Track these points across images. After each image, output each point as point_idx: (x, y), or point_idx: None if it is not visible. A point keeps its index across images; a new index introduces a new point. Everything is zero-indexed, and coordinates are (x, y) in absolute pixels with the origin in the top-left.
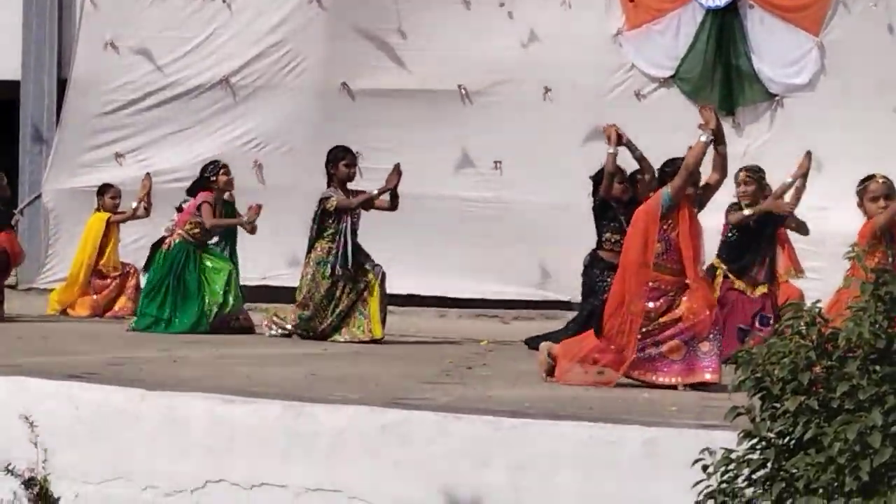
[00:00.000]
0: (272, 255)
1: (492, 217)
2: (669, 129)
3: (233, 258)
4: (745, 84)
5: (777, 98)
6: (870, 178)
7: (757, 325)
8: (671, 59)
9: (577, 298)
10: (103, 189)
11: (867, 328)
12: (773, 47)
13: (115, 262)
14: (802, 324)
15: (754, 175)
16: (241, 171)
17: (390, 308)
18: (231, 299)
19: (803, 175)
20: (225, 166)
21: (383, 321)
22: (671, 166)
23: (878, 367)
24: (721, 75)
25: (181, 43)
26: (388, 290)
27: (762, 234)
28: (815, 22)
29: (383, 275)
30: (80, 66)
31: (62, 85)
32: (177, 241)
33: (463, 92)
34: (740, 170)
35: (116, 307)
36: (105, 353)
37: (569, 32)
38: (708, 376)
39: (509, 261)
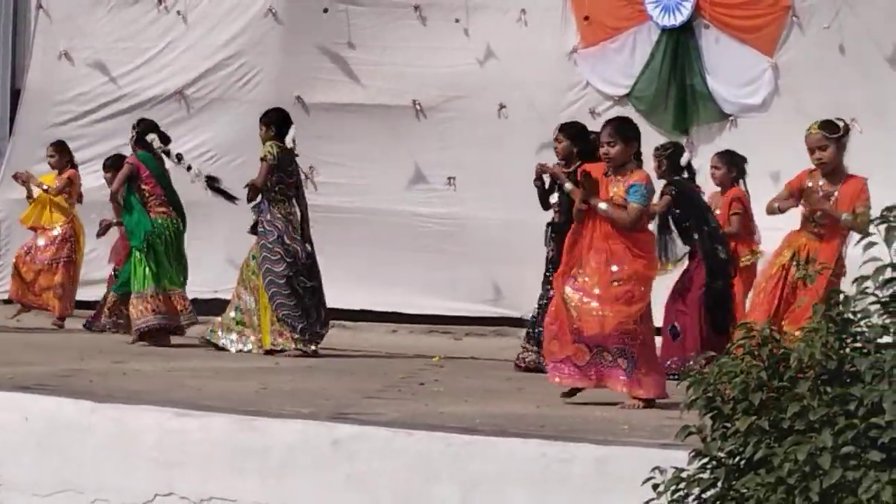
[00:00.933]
0: (224, 267)
1: (445, 233)
2: None
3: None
4: (699, 104)
5: (731, 118)
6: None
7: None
8: (626, 77)
9: (528, 315)
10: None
11: (819, 349)
12: (727, 67)
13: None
14: (754, 343)
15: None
16: (193, 184)
17: (343, 323)
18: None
19: None
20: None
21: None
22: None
23: (828, 389)
24: (675, 95)
25: (136, 54)
26: (341, 305)
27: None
28: (769, 43)
29: (269, 281)
30: (33, 76)
31: (15, 95)
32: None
33: (417, 107)
34: None
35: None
36: (55, 364)
37: (524, 50)
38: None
39: (462, 277)
